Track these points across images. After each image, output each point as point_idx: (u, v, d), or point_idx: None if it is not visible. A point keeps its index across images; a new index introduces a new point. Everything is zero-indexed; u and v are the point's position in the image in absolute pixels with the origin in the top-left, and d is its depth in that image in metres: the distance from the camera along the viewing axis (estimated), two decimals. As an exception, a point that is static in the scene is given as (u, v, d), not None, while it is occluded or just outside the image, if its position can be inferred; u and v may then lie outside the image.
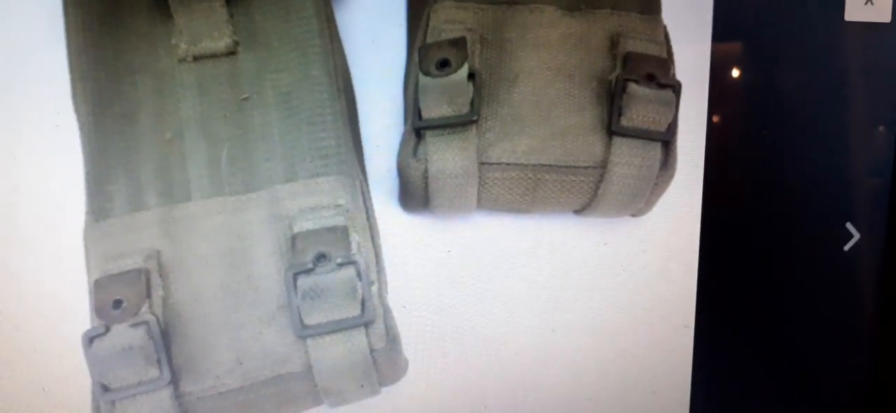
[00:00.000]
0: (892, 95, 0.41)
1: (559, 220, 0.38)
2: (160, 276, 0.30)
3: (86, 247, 0.30)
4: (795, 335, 0.42)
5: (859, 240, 0.42)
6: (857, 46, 0.41)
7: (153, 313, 0.29)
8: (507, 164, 0.33)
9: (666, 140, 0.33)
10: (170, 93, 0.32)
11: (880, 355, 0.42)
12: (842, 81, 0.41)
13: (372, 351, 0.29)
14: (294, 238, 0.30)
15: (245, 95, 0.32)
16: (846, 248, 0.42)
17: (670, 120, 0.32)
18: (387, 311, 0.31)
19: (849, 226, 0.41)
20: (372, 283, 0.30)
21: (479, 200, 0.34)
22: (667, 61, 0.33)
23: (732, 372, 0.42)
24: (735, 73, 0.40)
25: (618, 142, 0.32)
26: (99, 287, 0.29)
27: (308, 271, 0.29)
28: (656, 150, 0.33)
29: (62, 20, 0.31)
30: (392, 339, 0.30)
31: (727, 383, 0.42)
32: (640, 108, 0.32)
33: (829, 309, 0.42)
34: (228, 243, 0.30)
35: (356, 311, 0.29)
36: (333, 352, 0.29)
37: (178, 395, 0.29)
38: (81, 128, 0.31)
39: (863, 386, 0.43)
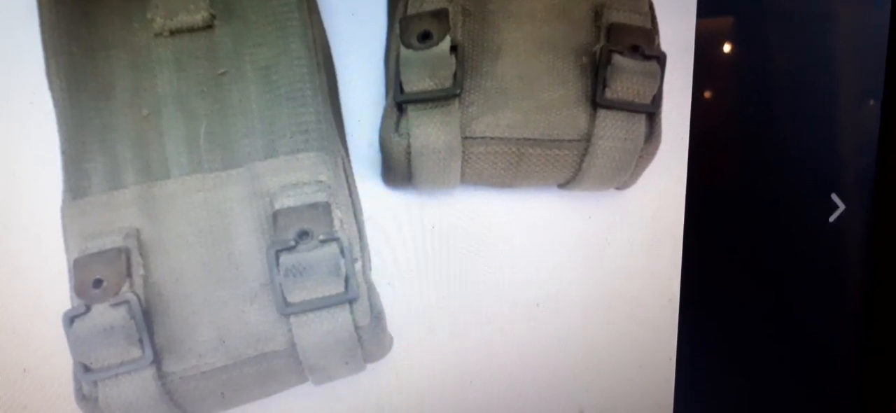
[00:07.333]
0: (879, 68, 0.41)
1: (543, 195, 0.38)
2: (140, 254, 0.29)
3: (64, 225, 0.30)
4: (781, 306, 0.42)
5: (845, 211, 0.42)
6: (845, 19, 0.40)
7: (134, 292, 0.28)
8: (491, 138, 0.33)
9: (651, 112, 0.32)
10: (146, 68, 0.31)
11: (865, 324, 0.43)
12: (828, 54, 0.41)
13: (356, 328, 0.29)
14: (275, 215, 0.29)
15: (223, 70, 0.31)
16: (831, 219, 0.42)
17: (655, 91, 0.32)
18: (371, 287, 0.30)
19: (834, 197, 0.42)
20: (355, 259, 0.30)
21: (462, 175, 0.34)
22: (651, 32, 0.33)
23: (718, 344, 0.42)
24: (720, 45, 0.40)
25: (602, 114, 0.32)
26: (78, 266, 0.28)
27: (290, 249, 0.29)
28: (641, 122, 0.32)
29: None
30: (376, 315, 0.30)
31: (712, 356, 0.42)
32: (625, 79, 0.31)
33: (814, 280, 0.42)
34: (208, 221, 0.30)
35: (340, 289, 0.29)
36: (317, 329, 0.29)
37: (160, 375, 0.28)
38: (56, 104, 0.30)
39: (848, 355, 0.43)
